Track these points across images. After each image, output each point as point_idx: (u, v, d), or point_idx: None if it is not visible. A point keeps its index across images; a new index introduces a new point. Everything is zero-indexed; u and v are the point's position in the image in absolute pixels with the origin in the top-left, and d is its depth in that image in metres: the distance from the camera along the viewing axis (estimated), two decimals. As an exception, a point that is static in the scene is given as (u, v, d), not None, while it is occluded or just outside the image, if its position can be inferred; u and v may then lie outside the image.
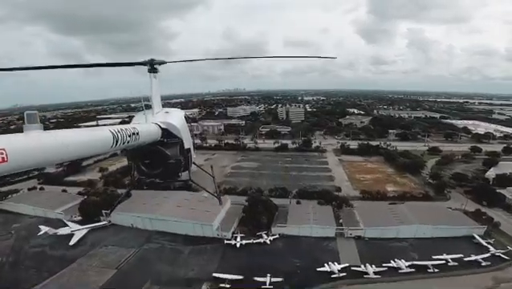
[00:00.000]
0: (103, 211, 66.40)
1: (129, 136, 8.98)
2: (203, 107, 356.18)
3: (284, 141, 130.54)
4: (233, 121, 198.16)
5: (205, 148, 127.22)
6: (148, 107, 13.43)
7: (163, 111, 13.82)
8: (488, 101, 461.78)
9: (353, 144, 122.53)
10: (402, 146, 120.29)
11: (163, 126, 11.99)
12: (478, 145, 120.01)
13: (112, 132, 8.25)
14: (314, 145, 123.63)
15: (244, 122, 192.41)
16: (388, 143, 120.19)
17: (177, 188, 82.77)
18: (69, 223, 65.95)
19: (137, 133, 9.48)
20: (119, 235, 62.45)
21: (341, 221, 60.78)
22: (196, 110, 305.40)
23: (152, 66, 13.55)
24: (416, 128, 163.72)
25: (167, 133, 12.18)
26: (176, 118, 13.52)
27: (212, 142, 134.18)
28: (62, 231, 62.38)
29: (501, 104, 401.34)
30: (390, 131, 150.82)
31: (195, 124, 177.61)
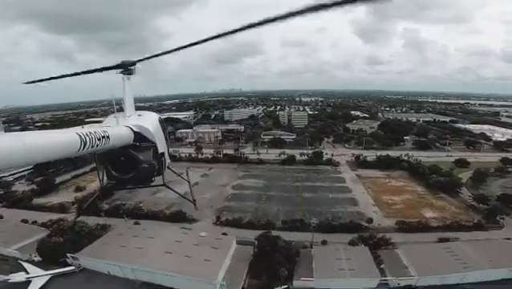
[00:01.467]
0: (69, 254, 50.85)
1: (99, 139, 8.44)
2: (198, 109, 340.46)
3: (290, 151, 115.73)
4: (231, 126, 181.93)
5: (200, 160, 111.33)
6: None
7: (136, 114, 13.32)
8: (487, 102, 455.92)
9: (368, 155, 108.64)
10: (423, 157, 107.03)
11: (135, 129, 11.66)
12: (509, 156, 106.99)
13: (80, 135, 7.78)
14: (324, 156, 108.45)
15: (243, 127, 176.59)
16: (409, 154, 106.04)
17: (167, 217, 67.92)
18: (26, 265, 50.47)
19: (107, 136, 8.93)
20: (90, 286, 47.27)
21: (383, 266, 46.60)
22: (191, 112, 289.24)
23: (126, 68, 12.89)
24: (431, 134, 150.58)
25: (140, 137, 11.82)
26: (149, 121, 13.09)
27: (208, 152, 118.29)
28: (16, 278, 47.11)
29: (501, 105, 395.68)
30: (405, 138, 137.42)
31: (189, 130, 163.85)
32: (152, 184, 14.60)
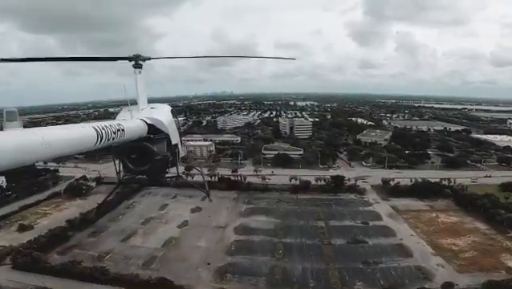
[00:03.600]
0: None
1: (114, 132, 8.59)
2: (188, 113, 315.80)
3: (299, 172, 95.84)
4: (226, 137, 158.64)
5: (188, 185, 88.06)
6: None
7: (149, 107, 13.44)
8: (483, 107, 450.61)
9: (396, 177, 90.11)
10: (459, 178, 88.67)
11: (149, 122, 11.71)
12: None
13: (96, 129, 7.96)
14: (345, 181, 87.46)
15: (239, 138, 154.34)
16: (447, 176, 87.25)
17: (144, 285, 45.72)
18: None
19: (123, 130, 9.04)
20: None
21: None
22: (180, 118, 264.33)
23: (137, 62, 12.91)
24: (451, 146, 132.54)
25: (153, 129, 11.93)
26: (162, 113, 13.37)
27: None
28: None
29: (498, 111, 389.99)
30: (429, 152, 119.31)
31: None
32: (167, 175, 14.45)
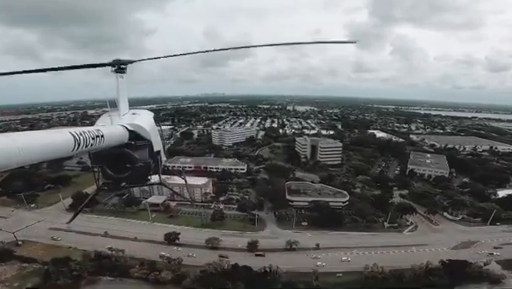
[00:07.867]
0: None
1: (93, 138, 7.65)
2: (177, 119, 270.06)
3: (362, 242, 57.16)
4: (227, 163, 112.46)
5: (176, 281, 47.17)
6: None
7: (130, 113, 11.68)
8: (493, 116, 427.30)
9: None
10: None
11: (130, 128, 10.32)
12: None
13: (73, 135, 6.97)
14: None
15: (245, 167, 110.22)
16: None
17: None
18: None
19: (102, 136, 8.13)
20: None
21: None
22: (167, 127, 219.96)
23: (119, 66, 11.19)
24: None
25: (135, 136, 10.45)
26: (144, 120, 11.52)
27: (190, 239, 54.98)
28: None
29: (508, 120, 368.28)
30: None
31: (157, 178, 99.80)
32: (149, 182, 11.55)
